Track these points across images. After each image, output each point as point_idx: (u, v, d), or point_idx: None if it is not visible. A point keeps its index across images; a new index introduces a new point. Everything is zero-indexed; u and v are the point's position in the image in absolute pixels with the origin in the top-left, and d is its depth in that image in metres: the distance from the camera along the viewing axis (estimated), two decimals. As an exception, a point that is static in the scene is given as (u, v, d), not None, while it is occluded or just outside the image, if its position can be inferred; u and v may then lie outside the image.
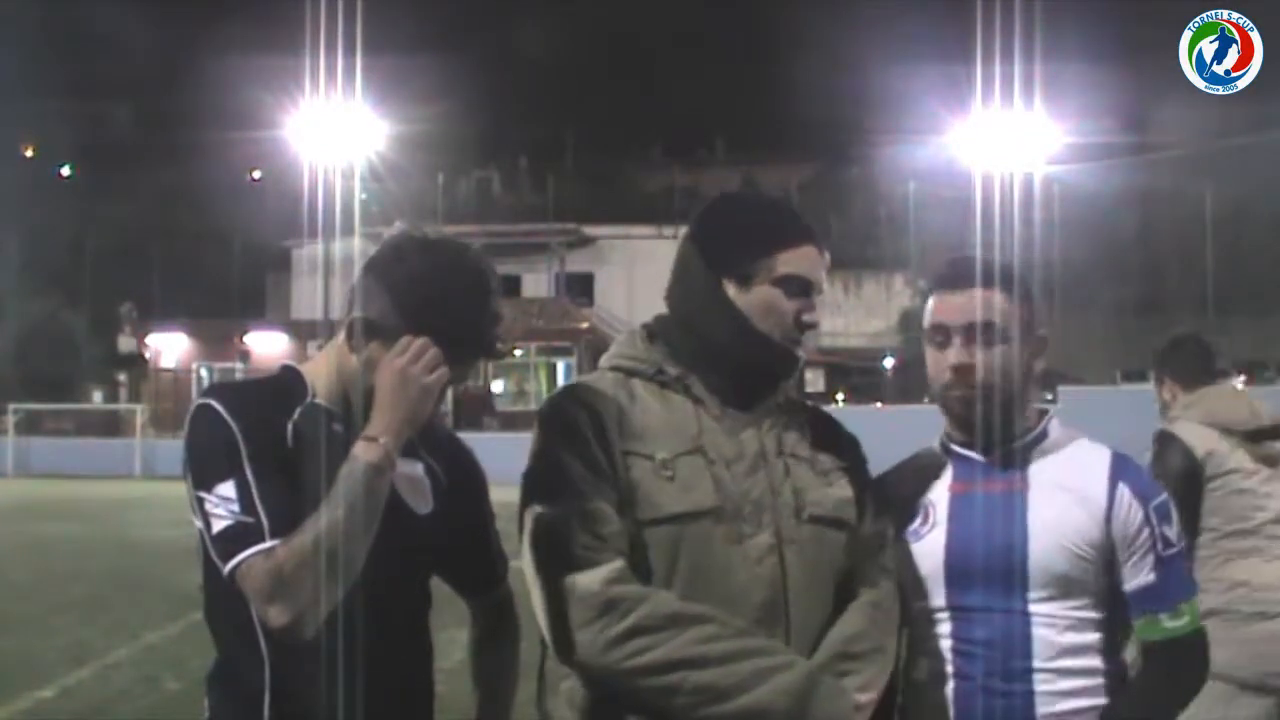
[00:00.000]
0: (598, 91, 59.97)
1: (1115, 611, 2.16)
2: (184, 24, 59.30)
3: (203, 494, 1.94)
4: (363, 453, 1.92)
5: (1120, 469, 2.19)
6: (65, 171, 54.90)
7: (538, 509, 2.00)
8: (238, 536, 1.90)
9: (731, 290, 2.09)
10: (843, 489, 2.14)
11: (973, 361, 2.18)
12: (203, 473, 1.95)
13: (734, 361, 2.10)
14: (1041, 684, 2.11)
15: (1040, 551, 2.13)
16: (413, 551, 2.10)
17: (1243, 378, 37.16)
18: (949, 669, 2.16)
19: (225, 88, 40.94)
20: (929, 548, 2.21)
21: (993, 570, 2.14)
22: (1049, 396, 19.60)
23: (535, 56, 61.05)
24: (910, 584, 2.21)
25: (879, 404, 35.55)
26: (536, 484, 2.03)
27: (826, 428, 2.22)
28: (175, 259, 47.15)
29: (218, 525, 1.92)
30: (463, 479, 2.25)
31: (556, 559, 1.95)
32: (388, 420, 1.94)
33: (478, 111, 48.78)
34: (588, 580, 1.91)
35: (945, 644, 2.18)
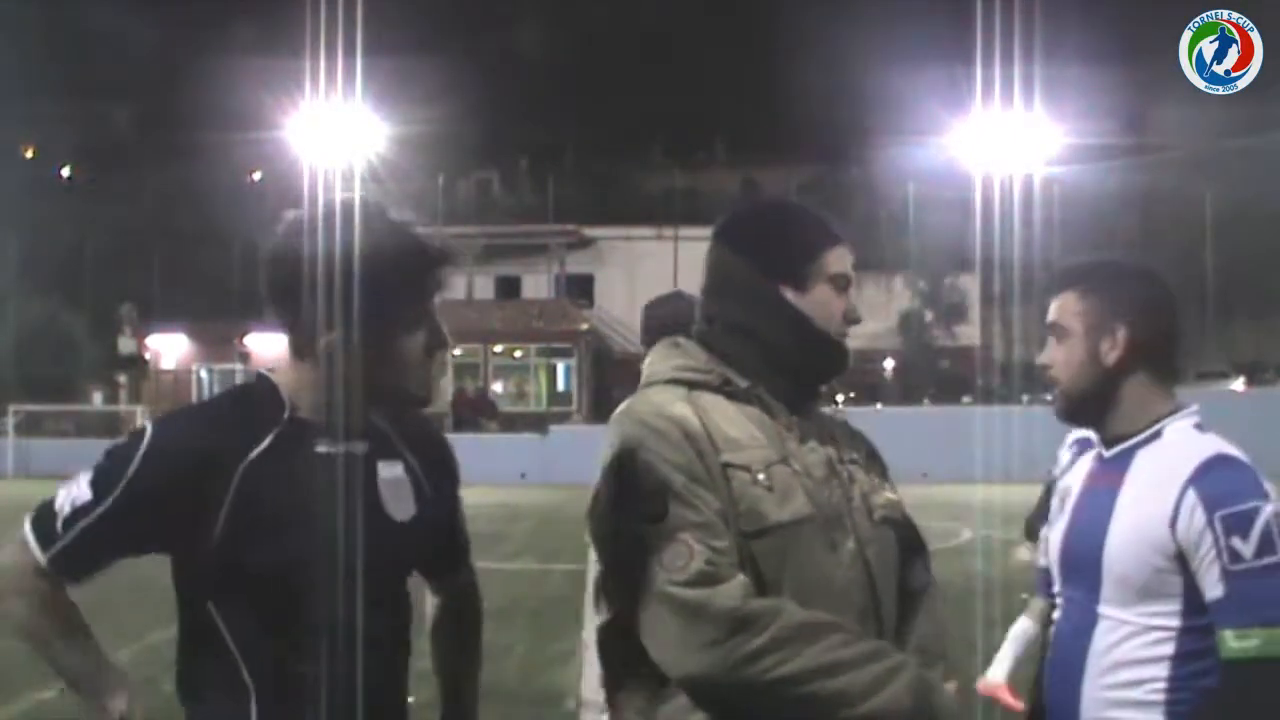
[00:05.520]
0: (598, 93, 59.99)
1: (1202, 621, 2.08)
2: (184, 24, 59.30)
3: (80, 474, 1.96)
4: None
5: (1202, 471, 2.08)
6: (65, 172, 54.92)
7: (644, 523, 1.95)
8: (45, 520, 1.95)
9: (790, 295, 2.11)
10: (892, 490, 2.20)
11: (1049, 361, 2.31)
12: (95, 469, 1.96)
13: (803, 366, 2.14)
14: (1090, 688, 2.12)
15: (1114, 553, 2.12)
16: (395, 563, 2.05)
17: (1242, 379, 37.25)
18: (1049, 654, 2.29)
19: (225, 88, 40.97)
20: (1056, 536, 2.32)
21: (1080, 566, 2.19)
22: (1048, 397, 19.52)
23: (535, 58, 61.07)
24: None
25: (878, 405, 35.56)
26: (636, 496, 1.98)
27: (857, 435, 2.27)
28: (175, 259, 47.16)
29: (58, 498, 1.95)
30: (436, 466, 2.17)
31: (677, 575, 1.91)
32: None
33: (478, 113, 48.77)
34: (723, 596, 1.90)
35: (1053, 630, 2.30)
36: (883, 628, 2.05)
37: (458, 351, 43.41)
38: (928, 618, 2.15)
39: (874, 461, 2.23)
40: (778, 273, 2.12)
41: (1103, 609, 2.13)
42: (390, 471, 2.05)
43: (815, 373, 2.18)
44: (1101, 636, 2.12)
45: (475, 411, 35.75)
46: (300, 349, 2.00)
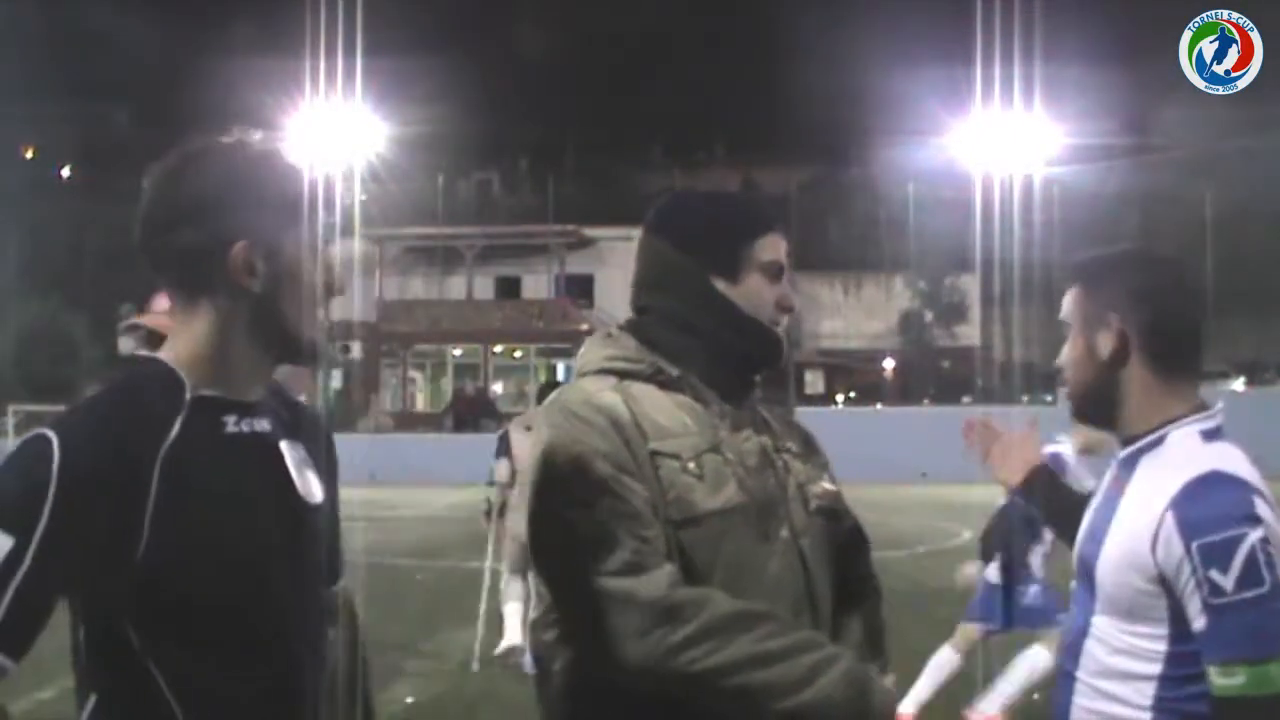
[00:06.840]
0: (598, 93, 60.02)
1: (1190, 647, 1.96)
2: (184, 24, 59.36)
3: None
4: None
5: (1184, 493, 1.95)
6: (65, 172, 54.98)
7: (571, 513, 1.93)
8: None
9: (721, 285, 2.10)
10: (831, 482, 2.19)
11: (1061, 361, 2.22)
12: None
13: (736, 355, 2.12)
14: (1080, 696, 2.09)
15: (1105, 570, 2.05)
16: (313, 551, 1.82)
17: (1242, 379, 37.26)
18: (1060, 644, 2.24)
19: (225, 88, 40.96)
20: (1080, 532, 2.22)
21: (1084, 570, 2.13)
22: (1048, 398, 19.55)
23: (535, 58, 61.07)
24: None
25: (878, 405, 35.57)
26: (563, 486, 1.95)
27: (794, 426, 2.26)
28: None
29: None
30: (321, 450, 1.93)
31: (604, 565, 1.88)
32: None
33: (478, 113, 48.83)
34: (649, 586, 1.87)
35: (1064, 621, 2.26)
36: (818, 618, 2.03)
37: (458, 352, 43.53)
38: (867, 612, 2.15)
39: (813, 452, 2.21)
40: (708, 264, 2.11)
41: (1096, 619, 2.08)
42: (295, 452, 1.82)
43: (750, 362, 2.16)
44: (1093, 645, 2.08)
45: (475, 411, 35.77)
46: (191, 294, 1.73)
